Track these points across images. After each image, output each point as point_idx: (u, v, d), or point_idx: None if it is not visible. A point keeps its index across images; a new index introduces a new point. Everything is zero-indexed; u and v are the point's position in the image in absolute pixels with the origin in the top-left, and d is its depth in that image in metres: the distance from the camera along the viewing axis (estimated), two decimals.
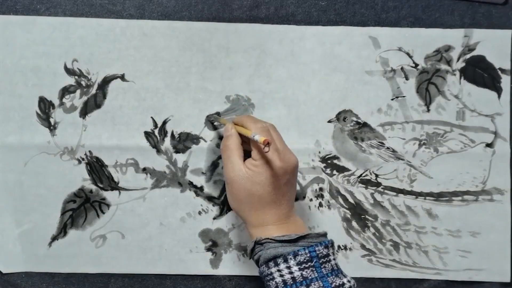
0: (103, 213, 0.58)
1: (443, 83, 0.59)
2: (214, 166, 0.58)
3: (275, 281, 0.45)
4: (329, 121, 0.58)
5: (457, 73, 0.59)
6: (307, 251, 0.44)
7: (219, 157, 0.58)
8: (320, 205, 0.59)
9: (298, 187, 0.58)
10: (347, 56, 0.58)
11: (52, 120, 0.57)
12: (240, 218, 0.51)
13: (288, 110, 0.58)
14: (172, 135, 0.58)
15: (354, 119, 0.58)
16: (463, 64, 0.59)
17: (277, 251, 0.45)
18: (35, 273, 0.58)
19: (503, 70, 0.58)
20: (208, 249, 0.58)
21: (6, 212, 0.58)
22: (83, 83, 0.57)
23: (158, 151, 0.58)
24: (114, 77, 0.58)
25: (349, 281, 0.45)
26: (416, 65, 0.58)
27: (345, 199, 0.59)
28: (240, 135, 0.50)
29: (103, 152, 0.58)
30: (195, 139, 0.58)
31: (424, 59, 0.58)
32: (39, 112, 0.57)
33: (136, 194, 0.58)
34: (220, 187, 0.58)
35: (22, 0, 0.57)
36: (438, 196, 0.59)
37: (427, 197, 0.59)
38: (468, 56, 0.58)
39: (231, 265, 0.58)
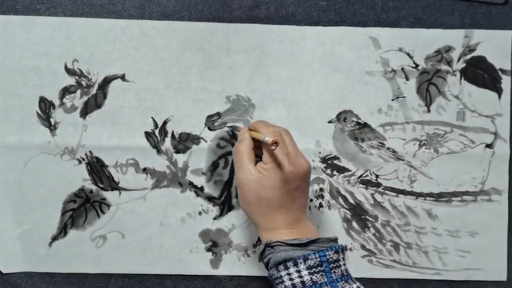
0: (103, 213, 0.58)
1: (444, 84, 0.59)
2: (215, 166, 0.58)
3: (285, 285, 0.44)
4: (330, 122, 0.58)
5: (458, 73, 0.59)
6: (317, 255, 0.44)
7: (219, 158, 0.58)
8: (321, 205, 0.59)
9: None
10: (347, 56, 0.58)
11: (52, 120, 0.57)
12: (251, 221, 0.50)
13: (288, 110, 0.58)
14: (173, 135, 0.58)
15: (355, 119, 0.58)
16: (464, 65, 0.59)
17: (287, 254, 0.45)
18: (35, 273, 0.58)
19: (503, 71, 0.58)
20: (208, 249, 0.58)
21: (6, 212, 0.58)
22: (83, 83, 0.57)
23: (159, 151, 0.58)
24: (114, 77, 0.58)
25: (358, 287, 0.45)
26: (417, 65, 0.58)
27: (345, 199, 0.59)
28: (254, 140, 0.50)
29: (103, 152, 0.58)
30: (196, 139, 0.58)
31: (425, 59, 0.58)
32: (39, 112, 0.57)
33: (137, 194, 0.58)
34: (221, 187, 0.58)
35: (22, 0, 0.57)
36: (438, 197, 0.59)
37: (427, 198, 0.59)
38: (468, 56, 0.58)
39: (231, 265, 0.59)
